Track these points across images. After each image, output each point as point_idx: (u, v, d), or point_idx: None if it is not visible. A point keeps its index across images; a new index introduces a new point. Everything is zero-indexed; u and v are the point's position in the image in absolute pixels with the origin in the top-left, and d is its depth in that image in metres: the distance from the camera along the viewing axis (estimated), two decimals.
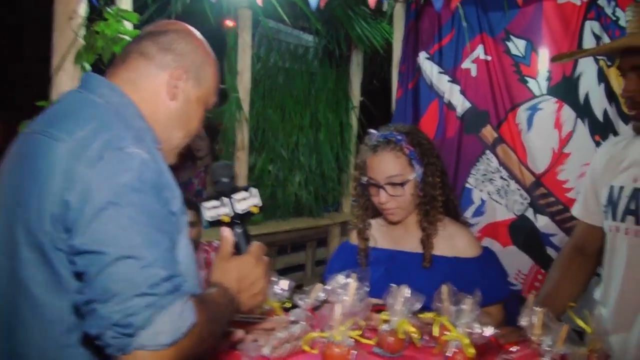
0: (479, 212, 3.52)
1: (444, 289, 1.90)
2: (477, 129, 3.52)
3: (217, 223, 1.54)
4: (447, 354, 1.70)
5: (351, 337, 1.70)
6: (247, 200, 1.52)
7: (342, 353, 1.67)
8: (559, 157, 3.30)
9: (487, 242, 3.36)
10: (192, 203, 4.10)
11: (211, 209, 1.52)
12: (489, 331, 1.71)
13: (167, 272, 1.19)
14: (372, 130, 2.42)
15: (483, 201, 3.51)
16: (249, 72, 4.48)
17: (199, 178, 5.26)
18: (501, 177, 3.48)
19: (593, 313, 1.70)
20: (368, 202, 2.40)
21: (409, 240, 2.35)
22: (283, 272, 4.69)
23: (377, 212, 2.43)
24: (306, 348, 1.77)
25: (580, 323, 1.71)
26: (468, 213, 3.49)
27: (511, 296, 3.16)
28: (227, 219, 1.51)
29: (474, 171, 3.55)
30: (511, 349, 1.70)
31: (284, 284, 2.13)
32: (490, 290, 2.22)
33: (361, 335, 1.94)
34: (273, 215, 5.05)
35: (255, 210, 1.53)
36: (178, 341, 1.18)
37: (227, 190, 1.52)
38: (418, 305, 1.87)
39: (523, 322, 1.68)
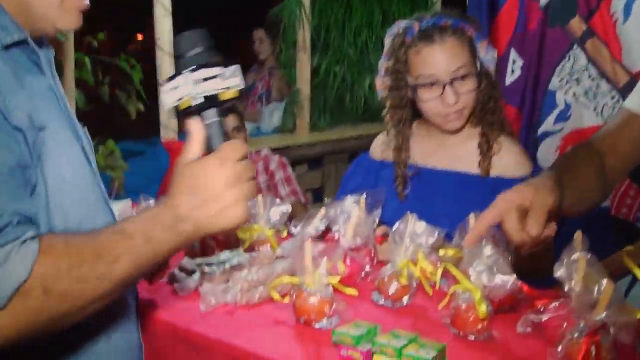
0: (562, 117, 3.08)
1: (472, 218, 1.50)
2: (563, 20, 3.04)
3: (183, 113, 1.10)
4: (452, 311, 1.31)
5: (331, 284, 1.34)
6: (219, 79, 1.07)
7: (317, 305, 1.32)
8: None
9: None
10: (232, 107, 3.83)
11: (170, 92, 1.08)
12: (512, 282, 1.30)
13: None
14: (404, 21, 1.95)
15: (568, 105, 3.07)
16: None
17: (263, 81, 4.95)
18: (590, 77, 3.04)
19: None
20: (408, 111, 1.97)
21: (461, 157, 1.92)
22: None
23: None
24: (275, 296, 1.43)
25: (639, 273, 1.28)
26: (551, 118, 3.09)
27: (596, 217, 2.70)
28: (187, 105, 1.07)
29: (559, 70, 3.10)
30: (542, 307, 1.29)
31: (285, 207, 1.79)
32: None
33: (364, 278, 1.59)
34: (341, 120, 4.69)
35: (229, 95, 1.08)
36: (7, 303, 0.89)
37: (194, 66, 1.08)
38: (431, 240, 1.47)
39: (559, 272, 1.25)
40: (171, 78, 1.08)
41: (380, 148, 2.06)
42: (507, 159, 1.86)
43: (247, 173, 1.05)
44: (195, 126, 1.07)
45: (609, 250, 1.69)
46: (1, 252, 0.88)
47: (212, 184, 1.02)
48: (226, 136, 1.10)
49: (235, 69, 1.09)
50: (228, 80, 1.08)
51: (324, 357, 1.25)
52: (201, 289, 1.42)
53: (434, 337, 1.31)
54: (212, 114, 1.09)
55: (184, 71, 1.07)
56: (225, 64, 1.08)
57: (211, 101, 1.07)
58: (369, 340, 1.22)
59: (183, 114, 1.09)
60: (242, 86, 1.10)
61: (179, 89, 1.07)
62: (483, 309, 1.27)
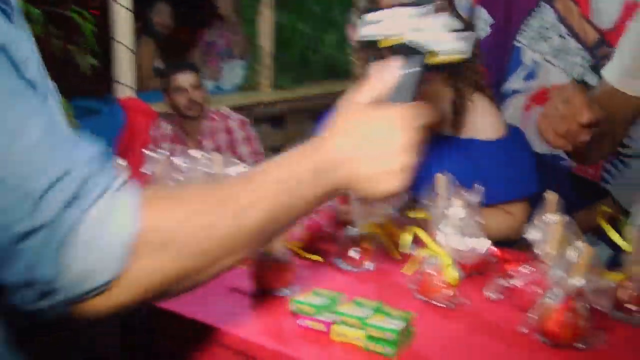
0: (530, 76, 3.00)
1: (440, 179, 1.41)
2: None
3: (377, 49, 0.95)
4: (419, 277, 1.23)
5: (291, 250, 1.26)
6: (450, 39, 0.92)
7: (275, 272, 1.23)
8: (632, 8, 2.67)
9: (537, 110, 2.83)
10: (190, 64, 3.69)
11: (382, 22, 0.94)
12: (483, 246, 1.23)
13: (55, 172, 0.68)
14: None
15: (536, 63, 3.00)
16: None
17: (224, 38, 4.78)
18: (559, 35, 2.96)
19: (637, 225, 1.19)
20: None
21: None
22: None
23: None
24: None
25: (616, 238, 1.21)
26: (517, 76, 3.02)
27: (558, 175, 2.66)
28: (394, 43, 0.92)
29: (526, 27, 3.02)
30: (512, 271, 1.22)
31: (244, 168, 1.68)
32: (513, 182, 1.72)
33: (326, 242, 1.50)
34: (305, 78, 4.58)
35: (450, 58, 0.93)
36: (123, 268, 0.70)
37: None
38: (399, 201, 1.39)
39: (531, 234, 1.18)
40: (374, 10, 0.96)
41: None
42: (482, 120, 1.78)
43: (420, 144, 0.88)
44: (388, 69, 0.90)
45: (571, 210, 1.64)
46: (95, 212, 0.68)
47: (388, 141, 0.85)
48: (416, 94, 0.93)
49: (470, 36, 0.95)
50: (458, 43, 0.94)
51: (284, 328, 1.17)
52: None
53: (400, 304, 1.23)
54: (416, 64, 0.92)
55: (424, 7, 0.92)
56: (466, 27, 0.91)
57: (427, 53, 0.92)
58: (330, 310, 1.14)
59: (376, 49, 0.95)
60: (467, 55, 0.96)
61: (397, 24, 0.93)
62: (452, 274, 1.19)
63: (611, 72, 1.49)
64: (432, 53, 0.92)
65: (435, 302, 1.22)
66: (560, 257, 1.10)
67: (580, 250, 1.08)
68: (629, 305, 1.19)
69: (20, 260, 0.66)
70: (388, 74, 0.89)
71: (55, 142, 0.69)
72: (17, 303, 0.70)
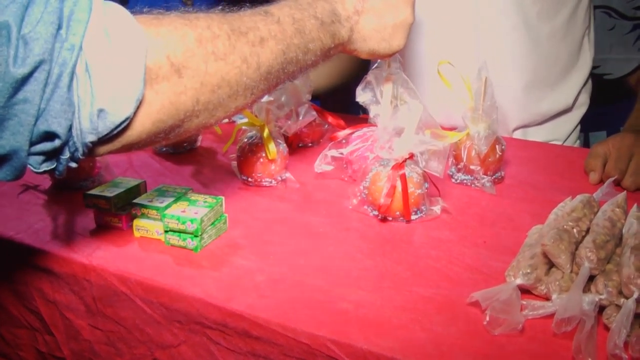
0: None
1: None
2: None
3: None
4: (238, 153, 1.06)
5: None
6: None
7: None
8: None
9: None
10: None
11: None
12: (303, 108, 1.06)
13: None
14: None
15: None
16: None
17: None
18: None
19: None
20: None
21: None
22: None
23: None
24: None
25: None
26: None
27: None
28: None
29: None
30: (344, 139, 1.06)
31: None
32: None
33: None
34: None
35: None
36: (142, 96, 0.64)
37: None
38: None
39: (361, 96, 1.01)
40: None
41: None
42: None
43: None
44: None
45: None
46: (98, 30, 0.60)
47: None
48: None
49: None
50: None
51: (76, 229, 0.97)
52: None
53: (220, 186, 1.07)
54: None
55: None
56: None
57: None
58: (128, 201, 0.96)
59: None
60: None
61: None
62: (272, 148, 1.02)
63: None
64: None
65: (257, 181, 1.06)
66: (391, 118, 0.95)
67: (412, 110, 0.93)
68: (471, 167, 1.08)
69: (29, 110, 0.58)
70: None
71: None
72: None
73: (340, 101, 1.83)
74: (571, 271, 0.77)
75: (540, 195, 1.04)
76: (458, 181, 1.09)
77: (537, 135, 1.38)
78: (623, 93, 1.58)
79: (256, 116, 1.04)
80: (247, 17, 0.75)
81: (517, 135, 1.38)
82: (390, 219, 0.94)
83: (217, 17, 0.74)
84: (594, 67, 1.42)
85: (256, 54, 0.74)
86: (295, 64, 0.80)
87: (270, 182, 1.06)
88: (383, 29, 0.88)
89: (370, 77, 1.00)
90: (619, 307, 0.72)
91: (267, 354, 0.74)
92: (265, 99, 1.03)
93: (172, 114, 0.69)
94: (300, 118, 1.08)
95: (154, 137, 0.70)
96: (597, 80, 1.48)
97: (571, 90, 1.39)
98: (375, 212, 0.95)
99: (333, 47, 0.85)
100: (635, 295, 0.70)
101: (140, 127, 0.67)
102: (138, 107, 0.64)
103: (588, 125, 1.51)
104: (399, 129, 0.94)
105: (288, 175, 1.07)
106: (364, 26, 0.87)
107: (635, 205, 0.88)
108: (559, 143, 1.41)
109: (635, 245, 0.77)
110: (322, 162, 1.05)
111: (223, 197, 0.93)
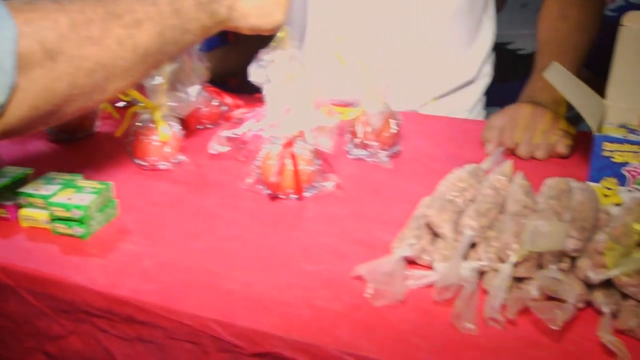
0: None
1: None
2: None
3: None
4: (132, 137, 1.04)
5: None
6: None
7: None
8: None
9: None
10: None
11: None
12: (194, 91, 1.04)
13: None
14: None
15: None
16: None
17: None
18: None
19: None
20: None
21: None
22: None
23: None
24: None
25: None
26: None
27: None
28: None
29: None
30: (238, 119, 1.05)
31: None
32: None
33: None
34: None
35: None
36: (15, 83, 0.64)
37: None
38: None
39: (254, 74, 1.00)
40: None
41: None
42: None
43: None
44: None
45: None
46: None
47: None
48: None
49: None
50: None
51: None
52: None
53: (113, 172, 1.04)
54: None
55: None
56: None
57: None
58: (14, 191, 0.93)
59: None
60: None
61: None
62: (163, 130, 1.01)
63: None
64: None
65: (151, 164, 1.04)
66: (280, 97, 0.95)
67: (302, 88, 0.93)
68: (367, 142, 1.08)
69: None
70: None
71: None
72: None
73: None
74: (456, 240, 0.79)
75: (437, 168, 1.06)
76: (355, 157, 1.09)
77: (445, 107, 1.42)
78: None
79: (148, 99, 1.02)
80: (124, 1, 0.75)
81: (426, 109, 1.41)
82: (282, 197, 0.94)
83: (92, 0, 0.73)
84: (508, 43, 1.46)
85: (132, 36, 0.74)
86: (173, 44, 0.81)
87: (165, 165, 1.04)
88: (263, 4, 0.89)
89: (263, 55, 0.99)
90: (498, 272, 0.74)
91: (153, 338, 0.73)
92: (157, 80, 1.01)
93: (48, 100, 0.68)
94: (193, 99, 1.07)
95: (32, 123, 0.70)
96: (512, 55, 1.53)
97: (473, 64, 1.43)
98: (268, 191, 0.95)
99: (213, 25, 0.86)
100: (512, 259, 0.72)
101: (17, 114, 0.66)
102: (12, 95, 0.63)
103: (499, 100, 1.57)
104: (289, 107, 0.93)
105: (183, 157, 1.05)
106: (244, 4, 0.88)
107: (518, 172, 0.90)
108: (467, 113, 1.45)
109: (514, 211, 0.79)
110: (216, 143, 1.03)
111: (112, 183, 0.91)
